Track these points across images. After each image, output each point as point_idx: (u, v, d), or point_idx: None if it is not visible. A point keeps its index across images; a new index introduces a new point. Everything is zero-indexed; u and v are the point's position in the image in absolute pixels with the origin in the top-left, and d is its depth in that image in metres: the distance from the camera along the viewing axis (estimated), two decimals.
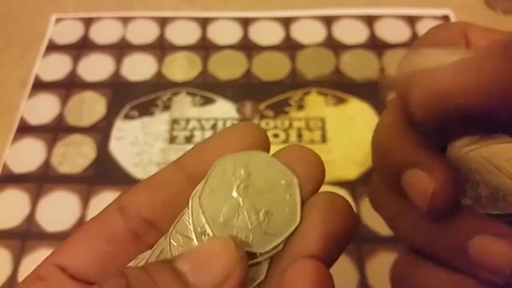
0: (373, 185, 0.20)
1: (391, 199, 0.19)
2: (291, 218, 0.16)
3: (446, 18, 0.51)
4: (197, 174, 0.16)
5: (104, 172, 0.41)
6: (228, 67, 0.48)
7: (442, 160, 0.16)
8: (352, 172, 0.40)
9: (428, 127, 0.16)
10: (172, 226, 0.16)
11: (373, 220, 0.38)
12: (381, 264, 0.36)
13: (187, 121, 0.44)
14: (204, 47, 0.50)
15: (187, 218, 0.16)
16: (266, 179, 0.16)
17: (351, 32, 0.50)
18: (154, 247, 0.16)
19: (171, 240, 0.16)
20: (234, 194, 0.16)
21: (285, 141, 0.42)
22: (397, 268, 0.19)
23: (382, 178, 0.19)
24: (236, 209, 0.16)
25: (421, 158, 0.16)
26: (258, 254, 0.16)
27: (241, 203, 0.16)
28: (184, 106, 0.45)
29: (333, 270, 0.15)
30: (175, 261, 0.15)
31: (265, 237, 0.16)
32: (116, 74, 0.48)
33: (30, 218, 0.39)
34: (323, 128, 0.43)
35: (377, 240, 0.37)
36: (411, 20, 0.51)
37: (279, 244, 0.16)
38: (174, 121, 0.44)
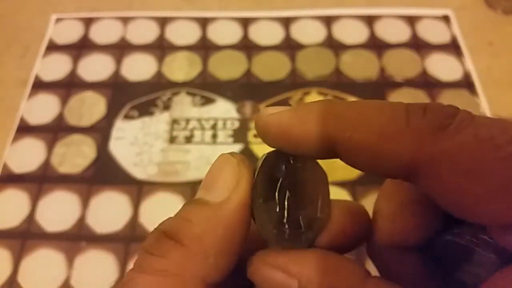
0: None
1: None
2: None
3: (446, 18, 0.51)
4: None
5: (104, 172, 0.41)
6: (228, 67, 0.48)
7: None
8: (352, 172, 0.40)
9: None
10: None
11: None
12: None
13: (187, 121, 0.44)
14: (204, 47, 0.50)
15: None
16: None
17: (351, 32, 0.50)
18: None
19: None
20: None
21: None
22: None
23: None
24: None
25: None
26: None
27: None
28: (184, 106, 0.45)
29: None
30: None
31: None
32: (116, 74, 0.48)
33: (30, 218, 0.39)
34: None
35: None
36: (411, 20, 0.51)
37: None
38: (174, 121, 0.44)
